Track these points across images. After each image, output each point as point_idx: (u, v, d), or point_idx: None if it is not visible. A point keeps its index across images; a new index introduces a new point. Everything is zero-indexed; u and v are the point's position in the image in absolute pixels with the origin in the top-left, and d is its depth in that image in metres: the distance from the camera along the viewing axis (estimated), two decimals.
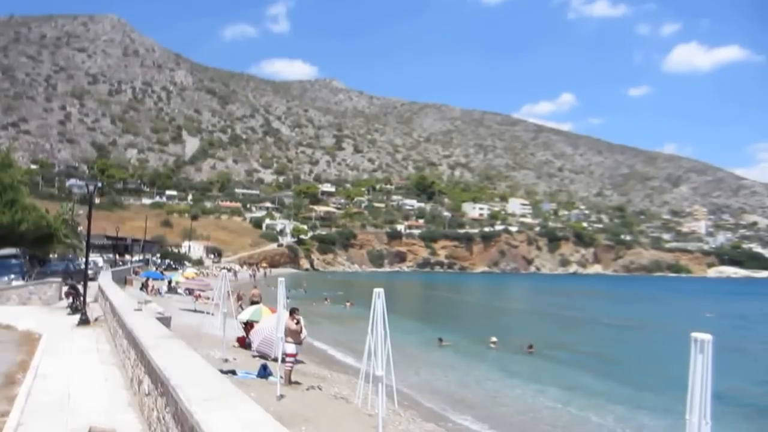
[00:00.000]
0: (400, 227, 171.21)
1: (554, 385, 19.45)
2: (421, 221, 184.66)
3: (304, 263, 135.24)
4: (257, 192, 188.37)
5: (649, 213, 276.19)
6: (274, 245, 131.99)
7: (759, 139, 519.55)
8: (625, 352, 28.95)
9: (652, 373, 22.25)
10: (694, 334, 4.99)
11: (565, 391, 18.50)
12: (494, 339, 27.30)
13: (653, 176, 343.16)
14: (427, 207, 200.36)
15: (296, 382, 14.91)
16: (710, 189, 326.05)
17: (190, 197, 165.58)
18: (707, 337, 4.94)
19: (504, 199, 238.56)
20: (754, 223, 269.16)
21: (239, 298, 30.87)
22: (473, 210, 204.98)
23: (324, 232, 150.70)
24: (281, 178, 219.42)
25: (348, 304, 45.06)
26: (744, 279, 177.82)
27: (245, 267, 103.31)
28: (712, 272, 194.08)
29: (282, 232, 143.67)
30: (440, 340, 27.03)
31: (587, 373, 22.09)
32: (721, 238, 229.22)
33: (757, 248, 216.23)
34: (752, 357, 28.95)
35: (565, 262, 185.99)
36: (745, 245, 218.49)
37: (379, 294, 8.47)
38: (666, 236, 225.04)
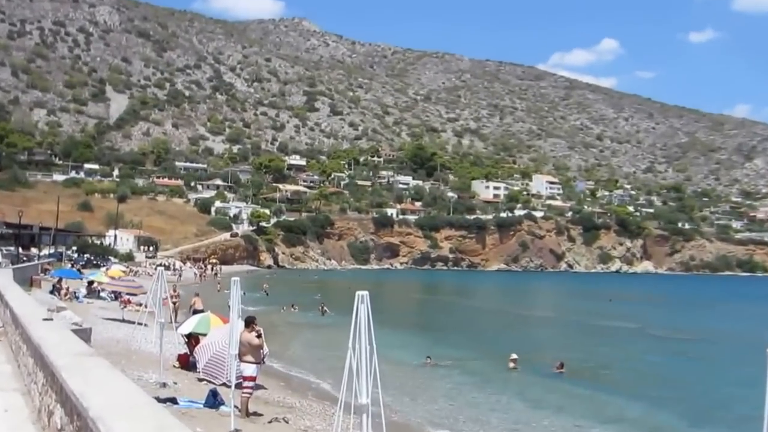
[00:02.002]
0: (392, 212, 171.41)
1: (592, 416, 19.57)
2: (418, 204, 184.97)
3: (266, 258, 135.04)
4: (204, 166, 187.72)
5: (713, 194, 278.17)
6: (226, 235, 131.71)
7: None
8: (682, 374, 29.21)
9: (716, 400, 22.46)
10: None
11: (606, 425, 18.63)
12: (514, 356, 27.44)
13: (719, 147, 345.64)
14: (427, 186, 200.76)
15: (256, 413, 14.91)
16: None
17: (116, 173, 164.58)
18: None
19: (526, 175, 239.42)
20: None
21: (174, 297, 30.76)
22: (486, 190, 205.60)
23: (292, 219, 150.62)
24: (236, 148, 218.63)
25: (322, 309, 45.14)
26: None
27: (189, 263, 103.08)
28: None
29: (237, 219, 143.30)
30: (428, 358, 27.10)
31: (634, 401, 22.26)
32: None
33: None
34: None
35: (605, 258, 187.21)
36: None
37: (362, 298, 8.47)
38: (736, 224, 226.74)
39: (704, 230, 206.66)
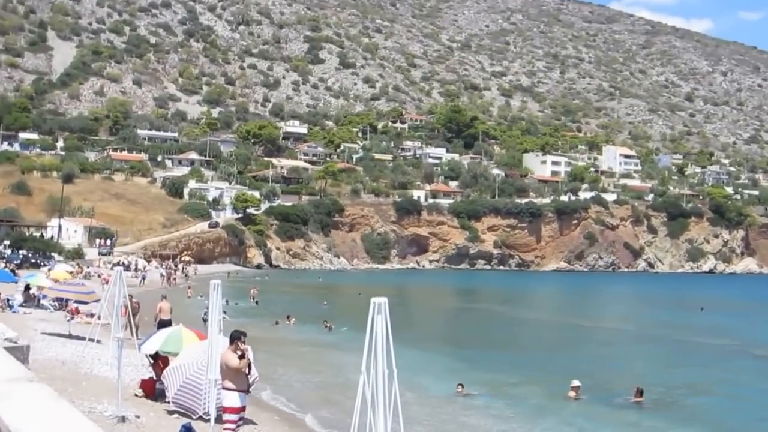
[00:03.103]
0: (419, 195, 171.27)
1: None
2: (453, 185, 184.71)
3: (255, 256, 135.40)
4: (175, 135, 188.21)
5: None
6: (203, 225, 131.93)
7: None
8: None
9: None
10: None
11: None
12: (576, 383, 27.38)
13: None
14: (465, 161, 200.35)
15: None
16: None
17: (60, 144, 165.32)
18: None
19: (595, 147, 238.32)
20: None
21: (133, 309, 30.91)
22: (542, 166, 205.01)
23: (289, 204, 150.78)
24: (216, 112, 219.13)
25: (326, 325, 45.25)
26: None
27: (155, 262, 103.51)
28: None
29: (217, 204, 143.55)
30: (460, 386, 27.11)
31: None
32: None
33: None
34: None
35: (696, 254, 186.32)
36: None
37: (379, 307, 8.46)
38: None
39: None
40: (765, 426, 24.93)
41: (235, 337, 14.32)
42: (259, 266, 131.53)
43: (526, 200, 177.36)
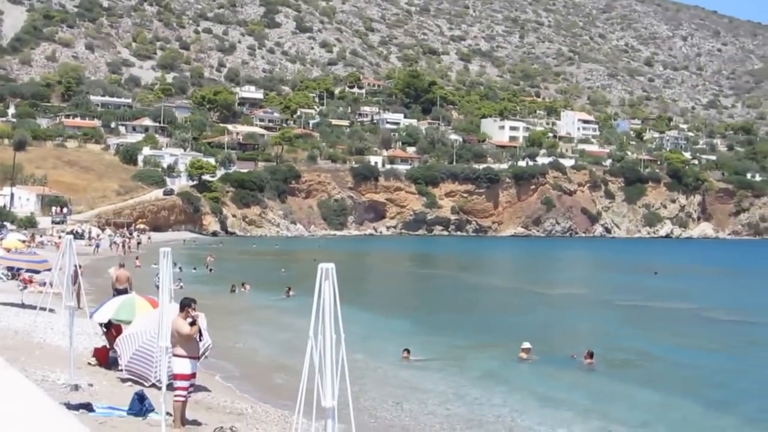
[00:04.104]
0: (376, 161, 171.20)
1: (626, 419, 20.02)
2: (411, 150, 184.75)
3: (211, 223, 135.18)
4: (128, 101, 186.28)
5: None
6: (158, 192, 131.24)
7: None
8: (742, 368, 29.73)
9: None
10: None
11: (643, 431, 19.08)
12: (526, 345, 27.85)
13: None
14: (422, 126, 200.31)
15: (195, 422, 15.18)
16: None
17: (11, 111, 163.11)
18: None
19: (553, 112, 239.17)
20: None
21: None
22: (500, 131, 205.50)
23: (245, 170, 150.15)
24: (170, 77, 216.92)
25: (288, 292, 45.09)
26: None
27: (109, 230, 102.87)
28: None
29: (172, 171, 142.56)
30: (406, 352, 27.44)
31: (679, 401, 22.76)
32: None
33: None
34: None
35: (652, 219, 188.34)
36: None
37: (327, 272, 8.64)
38: None
39: None
40: (713, 388, 25.41)
41: (186, 304, 14.45)
42: (214, 233, 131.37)
43: (484, 166, 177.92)
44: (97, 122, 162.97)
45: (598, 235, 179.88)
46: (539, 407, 21.24)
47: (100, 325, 21.37)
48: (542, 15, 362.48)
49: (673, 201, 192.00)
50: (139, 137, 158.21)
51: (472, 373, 25.52)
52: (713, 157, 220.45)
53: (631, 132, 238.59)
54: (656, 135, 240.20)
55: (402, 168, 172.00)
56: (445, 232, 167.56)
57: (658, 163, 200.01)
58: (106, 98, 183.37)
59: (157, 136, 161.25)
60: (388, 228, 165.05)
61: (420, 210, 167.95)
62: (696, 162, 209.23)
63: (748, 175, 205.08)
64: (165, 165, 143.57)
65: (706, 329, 39.77)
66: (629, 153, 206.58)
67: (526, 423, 19.59)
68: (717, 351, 33.30)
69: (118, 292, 28.87)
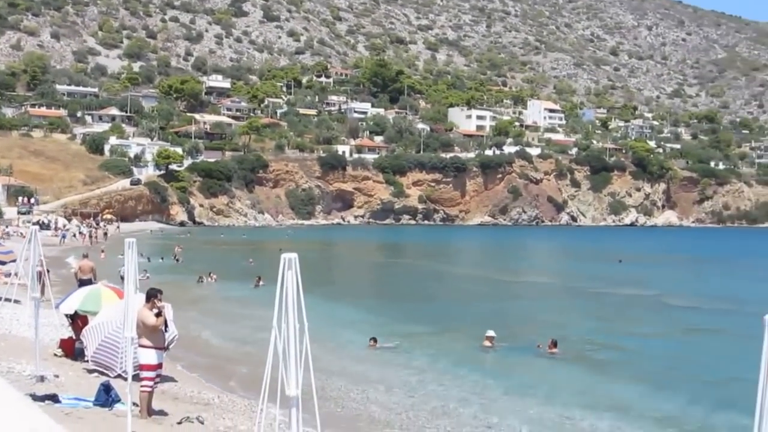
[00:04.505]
0: (344, 150, 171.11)
1: (587, 405, 20.24)
2: (378, 140, 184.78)
3: (178, 213, 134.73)
4: (95, 90, 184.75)
5: (755, 126, 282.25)
6: (125, 182, 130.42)
7: None
8: (702, 354, 30.08)
9: (737, 384, 23.30)
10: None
11: (602, 415, 19.33)
12: (490, 333, 28.01)
13: (765, 65, 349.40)
14: (390, 116, 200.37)
15: (162, 412, 15.24)
16: None
17: None
18: None
19: (520, 101, 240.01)
20: None
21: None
22: (467, 120, 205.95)
23: (212, 160, 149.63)
24: (137, 66, 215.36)
25: (258, 282, 44.75)
26: None
27: (76, 220, 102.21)
28: None
29: (139, 160, 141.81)
30: (373, 341, 27.64)
31: (640, 387, 23.01)
32: None
33: None
34: None
35: (617, 207, 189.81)
36: None
37: (290, 262, 8.70)
38: None
39: (742, 171, 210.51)
40: (677, 374, 25.69)
41: (152, 295, 14.50)
42: (182, 223, 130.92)
43: (451, 155, 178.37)
44: (63, 112, 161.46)
45: (564, 223, 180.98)
46: (503, 394, 21.43)
47: (67, 316, 21.32)
48: (509, 4, 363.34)
49: (638, 189, 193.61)
50: (105, 127, 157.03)
51: (437, 361, 25.67)
52: (677, 146, 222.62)
53: (597, 121, 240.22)
54: (621, 124, 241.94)
55: (369, 157, 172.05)
56: (413, 222, 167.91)
57: (623, 151, 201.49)
58: (72, 87, 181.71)
59: (123, 125, 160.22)
60: (355, 217, 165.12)
61: (387, 199, 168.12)
62: (660, 150, 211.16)
63: (712, 164, 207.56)
64: (132, 155, 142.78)
65: (669, 317, 40.15)
66: (595, 142, 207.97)
67: (490, 410, 19.76)
68: (678, 338, 33.71)
69: (82, 282, 28.72)
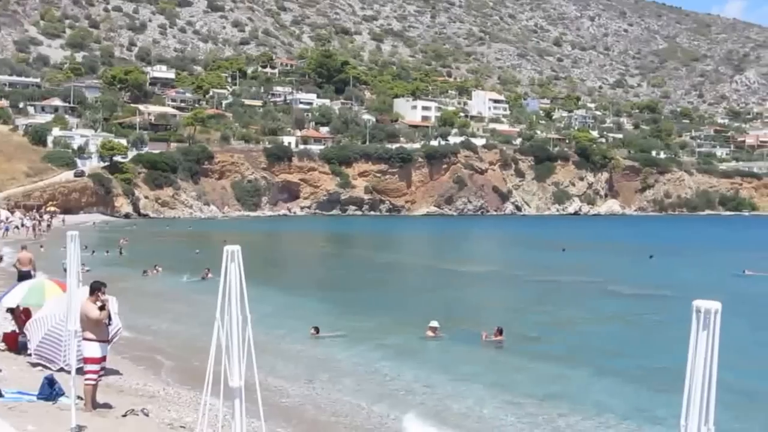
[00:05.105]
0: (290, 141, 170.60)
1: (531, 392, 20.57)
2: (324, 131, 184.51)
3: (123, 205, 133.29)
4: (37, 81, 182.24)
5: (696, 115, 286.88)
6: (69, 174, 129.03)
7: None
8: (643, 338, 30.76)
9: (675, 367, 23.83)
10: (697, 303, 5.59)
11: (546, 402, 19.65)
12: (434, 324, 28.22)
13: (705, 55, 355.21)
14: (336, 106, 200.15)
15: (106, 405, 15.22)
16: None
17: None
18: (714, 305, 5.55)
19: (464, 92, 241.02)
20: None
21: None
22: (413, 111, 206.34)
23: (157, 151, 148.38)
24: (80, 56, 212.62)
25: (207, 273, 44.05)
26: None
27: (19, 213, 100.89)
28: None
29: (83, 152, 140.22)
30: (314, 330, 27.80)
31: (583, 372, 23.42)
32: None
33: None
34: None
35: (561, 197, 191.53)
36: None
37: (232, 255, 8.74)
38: (721, 152, 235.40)
39: (683, 160, 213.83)
40: (620, 360, 26.08)
41: (95, 288, 14.46)
42: (127, 215, 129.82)
43: (397, 145, 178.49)
44: (4, 102, 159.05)
45: (509, 212, 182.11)
46: (449, 382, 21.66)
47: (8, 310, 21.14)
48: None
49: (582, 179, 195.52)
50: (48, 118, 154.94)
51: (382, 350, 25.87)
52: (620, 136, 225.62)
53: (541, 111, 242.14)
54: (565, 114, 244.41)
55: (315, 148, 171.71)
56: (359, 212, 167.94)
57: (567, 141, 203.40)
58: (14, 78, 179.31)
59: (67, 116, 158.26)
60: (302, 208, 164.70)
61: (334, 190, 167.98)
62: (603, 140, 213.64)
63: (653, 153, 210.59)
64: (75, 146, 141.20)
65: (611, 303, 40.81)
66: (539, 132, 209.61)
67: (435, 397, 20.05)
68: (620, 324, 34.36)
69: (21, 274, 28.54)
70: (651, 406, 19.43)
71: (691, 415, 5.59)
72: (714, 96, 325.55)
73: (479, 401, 19.73)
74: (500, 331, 27.71)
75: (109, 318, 14.80)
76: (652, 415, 18.53)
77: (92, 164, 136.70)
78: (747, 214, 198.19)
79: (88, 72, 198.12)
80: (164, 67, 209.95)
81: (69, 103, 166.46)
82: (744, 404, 18.74)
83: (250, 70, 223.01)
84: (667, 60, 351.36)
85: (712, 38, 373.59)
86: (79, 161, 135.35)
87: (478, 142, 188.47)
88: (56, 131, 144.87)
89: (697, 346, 5.58)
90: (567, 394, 20.63)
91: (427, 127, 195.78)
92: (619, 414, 18.64)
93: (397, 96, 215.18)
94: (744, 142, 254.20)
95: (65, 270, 15.57)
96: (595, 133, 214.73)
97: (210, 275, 42.63)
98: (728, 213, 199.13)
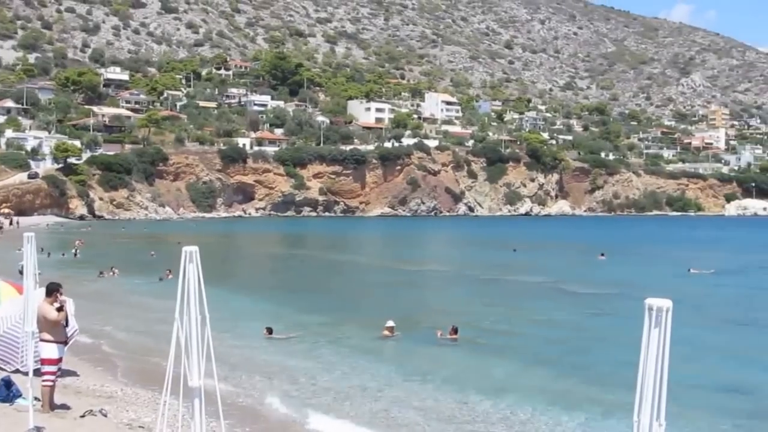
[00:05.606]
0: (244, 143, 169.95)
1: (484, 388, 20.70)
2: (279, 132, 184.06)
3: (78, 206, 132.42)
4: None
5: (643, 117, 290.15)
6: (22, 176, 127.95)
7: None
8: (593, 336, 30.99)
9: (623, 364, 24.15)
10: (649, 301, 5.70)
11: (498, 397, 19.80)
12: (390, 323, 28.32)
13: (652, 58, 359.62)
14: (290, 108, 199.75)
15: (64, 406, 15.11)
16: (735, 79, 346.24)
17: None
18: (665, 303, 5.67)
19: (417, 94, 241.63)
20: None
21: None
22: (367, 113, 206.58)
23: (111, 153, 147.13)
24: (32, 57, 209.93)
25: (168, 274, 43.50)
26: None
27: None
28: (732, 208, 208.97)
29: (36, 153, 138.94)
30: (267, 330, 27.78)
31: (536, 369, 23.66)
32: (748, 155, 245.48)
33: None
34: (746, 330, 32.32)
35: (513, 198, 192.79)
36: None
37: (191, 256, 8.72)
38: (667, 153, 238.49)
39: (631, 161, 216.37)
40: (573, 357, 26.31)
41: (53, 289, 14.37)
42: (82, 217, 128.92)
43: (351, 147, 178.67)
44: None
45: (461, 213, 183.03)
46: (404, 380, 21.77)
47: None
48: None
49: (533, 180, 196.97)
50: (0, 120, 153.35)
51: (337, 350, 25.92)
52: (570, 138, 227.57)
53: (493, 113, 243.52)
54: (516, 116, 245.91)
55: (270, 150, 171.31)
56: (314, 213, 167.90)
57: (518, 143, 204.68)
58: None
59: (19, 118, 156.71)
60: (257, 210, 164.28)
61: (288, 191, 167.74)
62: (553, 142, 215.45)
63: (602, 154, 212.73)
64: (29, 148, 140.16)
65: (563, 302, 41.07)
66: (490, 134, 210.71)
67: (391, 394, 20.13)
68: (571, 321, 34.60)
69: None
70: (604, 401, 19.63)
71: (644, 411, 5.69)
72: (661, 98, 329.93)
73: (435, 398, 19.85)
74: (455, 330, 27.88)
75: (66, 319, 14.71)
76: (605, 410, 18.73)
77: (46, 166, 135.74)
78: (693, 214, 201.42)
79: (41, 73, 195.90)
80: (118, 69, 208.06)
81: (22, 104, 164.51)
82: (693, 400, 19.01)
83: (204, 72, 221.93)
84: (616, 63, 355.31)
85: (659, 42, 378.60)
86: (32, 163, 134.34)
87: (431, 143, 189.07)
88: (9, 133, 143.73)
89: (650, 344, 5.69)
90: (520, 390, 20.80)
91: (381, 128, 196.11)
92: (571, 409, 18.81)
93: (350, 98, 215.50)
94: (690, 143, 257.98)
95: (21, 272, 15.43)
96: (545, 135, 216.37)
97: (170, 276, 42.34)
98: (675, 213, 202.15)
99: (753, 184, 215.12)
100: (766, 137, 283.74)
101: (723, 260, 66.57)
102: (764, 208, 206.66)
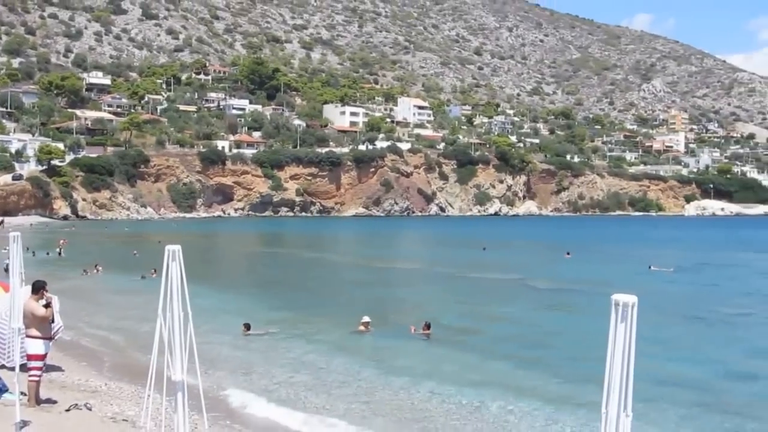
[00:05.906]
0: (223, 145, 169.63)
1: (456, 382, 20.78)
2: (256, 135, 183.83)
3: (61, 207, 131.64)
4: None
5: (607, 121, 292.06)
6: (7, 177, 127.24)
7: (763, 13, 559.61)
8: (561, 331, 31.17)
9: (591, 358, 24.32)
10: (615, 297, 5.75)
11: (469, 390, 19.88)
12: (366, 319, 28.38)
13: (615, 64, 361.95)
14: (267, 112, 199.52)
15: (49, 401, 15.05)
16: (694, 85, 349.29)
17: None
18: (630, 299, 5.71)
19: (390, 98, 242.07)
20: (751, 136, 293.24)
21: None
22: (341, 117, 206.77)
23: (94, 155, 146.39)
24: (16, 62, 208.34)
25: (153, 273, 43.18)
26: (733, 217, 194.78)
27: None
28: (692, 208, 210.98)
29: (21, 156, 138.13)
30: (245, 327, 27.73)
31: (505, 363, 23.72)
32: (706, 158, 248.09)
33: (753, 172, 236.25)
34: (703, 325, 32.59)
35: (483, 198, 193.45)
36: (736, 168, 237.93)
37: (173, 254, 8.70)
38: (630, 156, 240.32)
39: (595, 163, 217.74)
40: (542, 351, 26.37)
41: (39, 287, 14.33)
42: (65, 217, 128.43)
43: (327, 150, 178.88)
44: None
45: (433, 213, 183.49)
46: (380, 374, 21.77)
47: None
48: (379, 6, 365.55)
49: (501, 181, 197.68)
50: None
51: (314, 345, 25.88)
52: (536, 141, 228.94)
53: (463, 117, 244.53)
54: (485, 120, 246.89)
55: (248, 152, 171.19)
56: (291, 214, 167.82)
57: (487, 146, 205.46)
58: None
59: (4, 121, 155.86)
60: (236, 210, 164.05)
61: (266, 192, 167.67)
62: (521, 145, 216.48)
63: (568, 157, 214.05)
64: (13, 150, 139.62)
65: (532, 298, 41.26)
66: (461, 137, 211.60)
67: (367, 387, 20.18)
68: (539, 316, 34.77)
69: None
70: (572, 393, 19.74)
71: (611, 402, 5.74)
72: (623, 103, 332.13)
73: (409, 391, 19.87)
74: (428, 326, 27.96)
75: (52, 316, 14.66)
76: (574, 402, 18.82)
77: (30, 168, 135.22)
78: (654, 214, 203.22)
79: (24, 78, 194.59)
80: (100, 74, 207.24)
81: (6, 108, 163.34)
82: (658, 392, 19.17)
83: (184, 77, 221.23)
84: (580, 69, 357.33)
85: (621, 49, 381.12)
86: (17, 165, 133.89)
87: (404, 146, 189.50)
88: None
89: (616, 338, 5.73)
90: (491, 383, 20.86)
91: (355, 132, 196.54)
92: (541, 401, 18.90)
93: (326, 102, 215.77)
94: (651, 147, 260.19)
95: (6, 270, 15.34)
96: (513, 138, 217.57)
97: (155, 275, 41.90)
98: (637, 213, 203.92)
99: (711, 186, 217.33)
100: (723, 141, 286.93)
101: (682, 258, 67.21)
102: (722, 209, 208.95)
